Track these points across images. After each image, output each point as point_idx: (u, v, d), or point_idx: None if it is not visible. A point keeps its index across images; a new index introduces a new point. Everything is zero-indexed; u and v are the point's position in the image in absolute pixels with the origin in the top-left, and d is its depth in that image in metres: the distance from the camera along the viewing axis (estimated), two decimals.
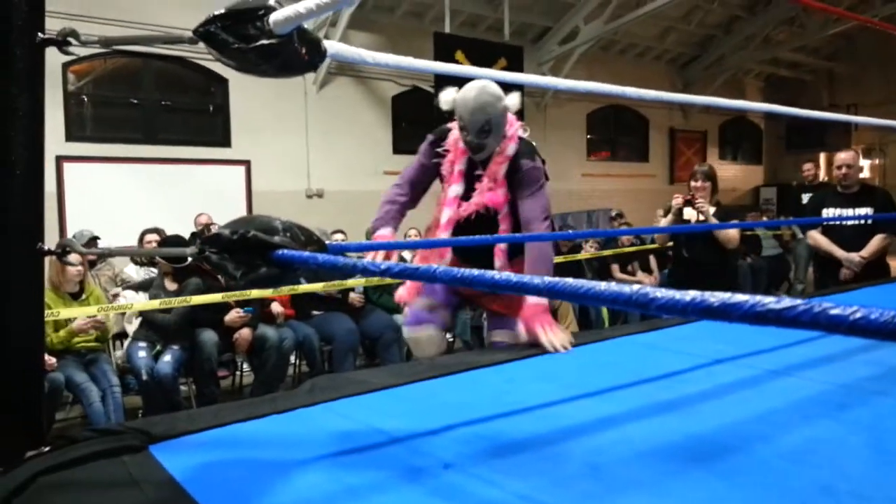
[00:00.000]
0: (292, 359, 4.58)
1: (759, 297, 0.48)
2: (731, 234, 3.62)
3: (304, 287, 4.39)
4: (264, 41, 0.97)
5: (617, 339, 2.13)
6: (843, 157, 3.95)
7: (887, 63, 12.36)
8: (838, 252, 3.82)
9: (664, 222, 3.91)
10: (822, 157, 12.93)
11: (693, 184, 3.72)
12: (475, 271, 0.70)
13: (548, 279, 0.62)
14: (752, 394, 1.52)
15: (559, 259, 5.53)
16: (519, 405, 1.43)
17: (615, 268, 6.40)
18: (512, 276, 0.65)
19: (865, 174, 12.63)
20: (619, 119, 12.09)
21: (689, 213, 3.67)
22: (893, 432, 1.25)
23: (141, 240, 4.86)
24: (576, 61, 10.02)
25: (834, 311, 0.44)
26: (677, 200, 3.70)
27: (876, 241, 3.75)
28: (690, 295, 0.51)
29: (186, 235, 4.60)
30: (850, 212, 3.88)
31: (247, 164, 8.04)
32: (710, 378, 1.64)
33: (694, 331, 2.18)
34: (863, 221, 3.82)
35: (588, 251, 6.32)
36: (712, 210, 3.64)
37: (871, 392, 1.50)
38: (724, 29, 11.94)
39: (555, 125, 10.55)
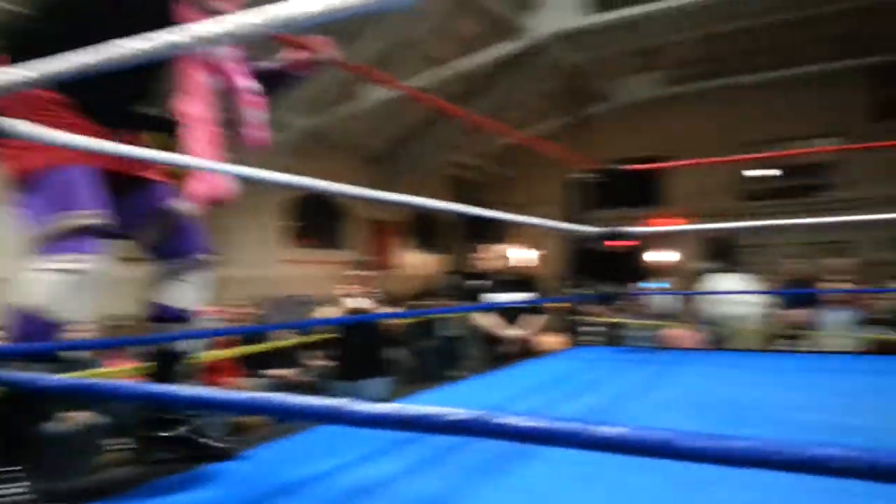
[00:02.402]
0: None
1: None
2: (395, 320, 4.00)
3: None
4: None
5: None
6: (499, 249, 4.75)
7: (543, 171, 14.79)
8: (502, 332, 4.41)
9: (329, 312, 4.08)
10: (494, 247, 14.72)
11: (354, 274, 4.01)
12: None
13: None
14: None
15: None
16: None
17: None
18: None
19: (534, 263, 14.71)
20: (321, 208, 12.46)
21: (352, 302, 3.90)
22: None
23: None
24: (283, 152, 10.18)
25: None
26: (341, 292, 3.92)
27: (530, 321, 4.42)
28: None
29: None
30: (508, 296, 4.52)
31: None
32: None
33: None
34: (521, 302, 4.48)
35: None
36: (368, 302, 3.92)
37: None
38: (415, 132, 13.25)
39: (251, 211, 10.47)
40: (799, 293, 5.87)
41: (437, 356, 8.46)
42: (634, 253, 13.05)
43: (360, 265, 3.98)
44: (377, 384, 3.98)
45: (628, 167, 3.80)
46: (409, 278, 13.94)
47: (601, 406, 2.38)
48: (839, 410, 2.22)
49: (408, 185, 13.49)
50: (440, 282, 15.28)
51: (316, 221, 12.47)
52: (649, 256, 13.39)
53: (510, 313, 4.41)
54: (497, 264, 4.54)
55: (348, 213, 12.97)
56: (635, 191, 13.17)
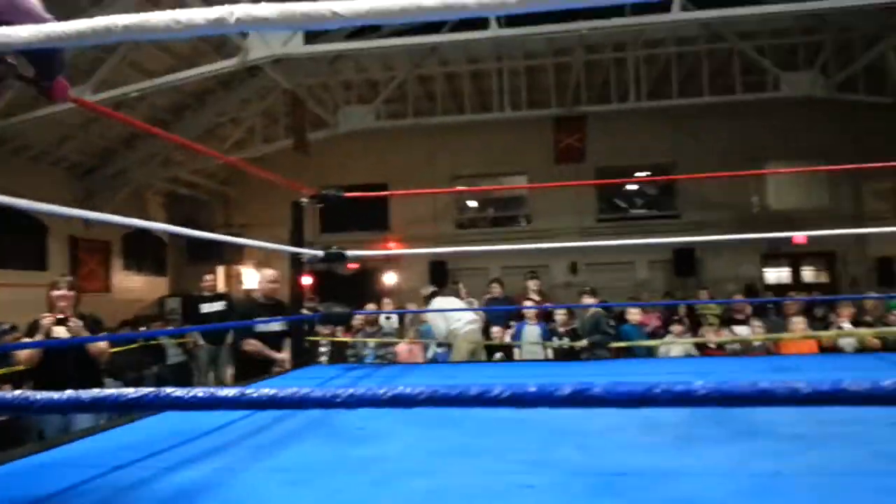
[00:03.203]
0: None
1: None
2: (102, 346, 3.79)
3: None
4: None
5: None
6: (269, 273, 4.67)
7: (269, 191, 14.59)
8: (273, 354, 4.39)
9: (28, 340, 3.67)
10: (221, 269, 14.15)
11: (55, 293, 3.66)
12: None
13: None
14: None
15: None
16: None
17: None
18: None
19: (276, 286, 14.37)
20: (13, 223, 10.80)
21: (60, 331, 3.56)
22: None
23: None
24: None
25: None
26: (48, 320, 3.55)
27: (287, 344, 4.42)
28: None
29: None
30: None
31: None
32: None
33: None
34: (278, 327, 4.46)
35: None
36: (80, 323, 3.63)
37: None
38: (125, 143, 12.19)
39: None
40: (502, 310, 6.65)
41: (175, 382, 7.86)
42: (368, 276, 13.51)
43: (64, 286, 3.57)
44: (88, 419, 3.59)
45: (346, 194, 4.00)
46: (123, 302, 12.70)
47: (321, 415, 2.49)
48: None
49: (120, 200, 12.34)
50: (160, 306, 14.16)
51: (12, 239, 10.73)
52: (385, 279, 13.95)
53: (273, 339, 4.43)
54: (266, 287, 4.48)
55: (51, 230, 11.42)
56: (365, 216, 13.68)
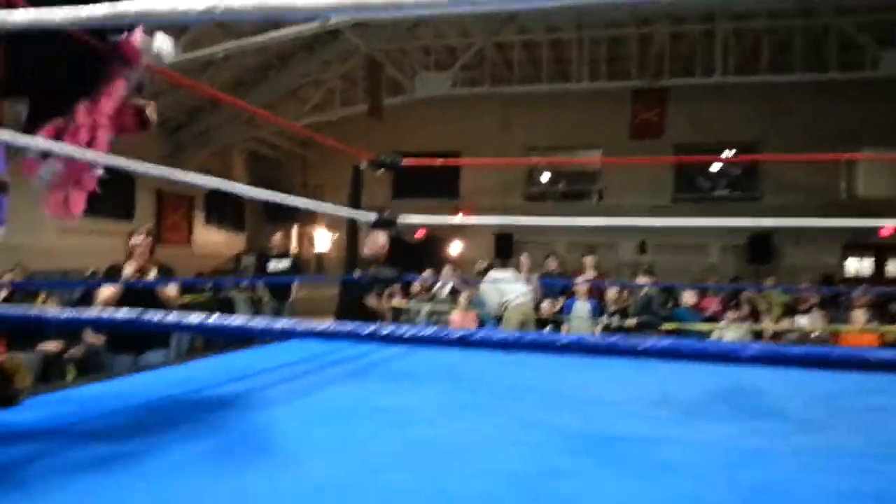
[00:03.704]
0: None
1: None
2: (171, 293, 4.00)
3: None
4: None
5: None
6: (380, 239, 4.96)
7: (343, 154, 14.93)
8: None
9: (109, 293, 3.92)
10: (295, 229, 14.69)
11: (134, 240, 3.93)
12: None
13: None
14: None
15: None
16: None
17: None
18: None
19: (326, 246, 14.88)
20: (109, 173, 11.54)
21: (133, 272, 3.84)
22: None
23: None
24: None
25: None
26: (129, 269, 3.84)
27: None
28: None
29: None
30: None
31: None
32: None
33: None
34: None
35: None
36: (154, 271, 3.91)
37: None
38: (212, 102, 12.74)
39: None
40: (555, 284, 6.69)
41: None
42: (435, 244, 13.74)
43: (143, 234, 3.88)
44: (158, 356, 3.93)
45: (408, 161, 4.13)
46: (202, 256, 13.42)
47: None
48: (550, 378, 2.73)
49: (204, 158, 12.97)
50: (237, 261, 14.88)
51: (103, 189, 11.47)
52: (451, 248, 14.15)
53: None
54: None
55: (139, 182, 12.16)
56: (436, 183, 13.85)
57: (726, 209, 12.77)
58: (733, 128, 13.13)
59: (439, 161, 12.14)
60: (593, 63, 11.72)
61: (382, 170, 3.91)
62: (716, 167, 14.01)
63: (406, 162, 4.16)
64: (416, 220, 4.13)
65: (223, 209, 15.02)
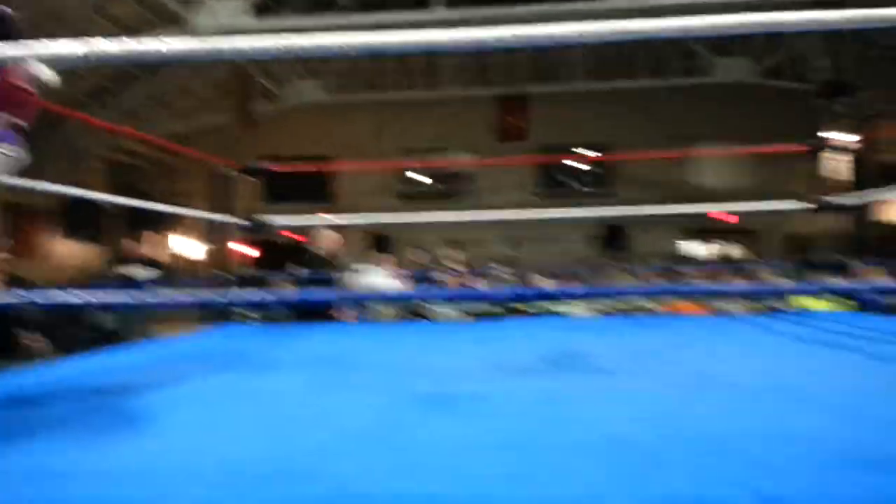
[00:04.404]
0: None
1: None
2: None
3: None
4: None
5: None
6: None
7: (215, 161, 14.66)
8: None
9: None
10: (155, 237, 14.15)
11: None
12: None
13: None
14: None
15: None
16: None
17: None
18: None
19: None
20: None
21: None
22: None
23: None
24: None
25: None
26: None
27: None
28: None
29: None
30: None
31: None
32: None
33: None
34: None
35: None
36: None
37: None
38: (71, 110, 12.14)
39: None
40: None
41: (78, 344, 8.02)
42: (305, 245, 13.74)
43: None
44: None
45: (276, 167, 4.32)
46: (59, 268, 12.74)
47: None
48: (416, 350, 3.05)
49: (59, 168, 12.31)
50: (99, 271, 14.15)
51: None
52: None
53: None
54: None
55: None
56: (310, 188, 13.88)
57: (587, 203, 13.73)
58: (591, 130, 14.13)
59: (310, 166, 12.23)
60: (462, 71, 12.27)
61: (245, 176, 4.08)
62: (576, 166, 15.01)
63: (277, 168, 4.35)
64: (286, 221, 4.33)
65: (80, 220, 14.25)
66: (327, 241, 5.51)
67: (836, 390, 2.12)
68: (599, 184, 14.78)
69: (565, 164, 14.94)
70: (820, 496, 1.14)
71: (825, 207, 3.29)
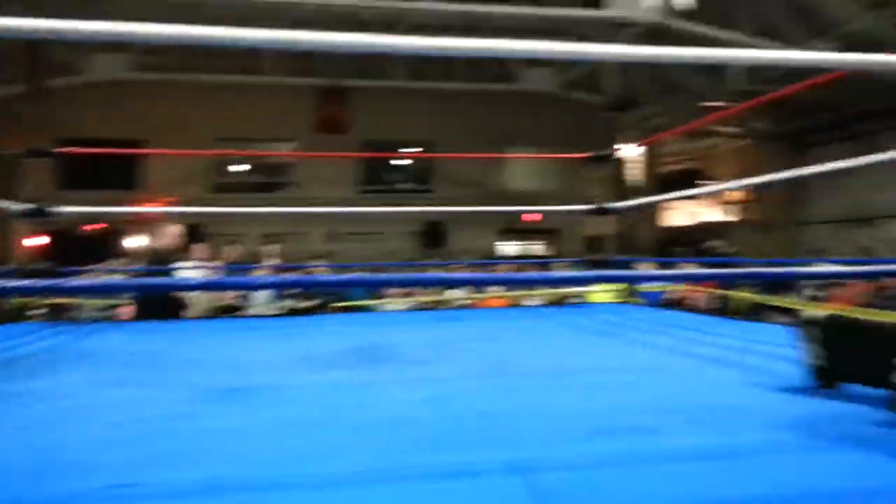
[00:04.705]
0: None
1: None
2: None
3: None
4: None
5: None
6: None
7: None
8: None
9: None
10: None
11: None
12: None
13: None
14: None
15: None
16: None
17: None
18: None
19: None
20: None
21: None
22: None
23: None
24: None
25: None
26: None
27: None
28: None
29: None
30: None
31: None
32: None
33: None
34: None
35: None
36: None
37: None
38: None
39: None
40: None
41: None
42: (115, 237, 12.71)
43: None
44: None
45: (74, 150, 4.01)
46: None
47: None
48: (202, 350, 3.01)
49: None
50: None
51: None
52: (135, 241, 13.18)
53: None
54: None
55: None
56: (116, 174, 12.81)
57: (406, 200, 14.04)
58: (412, 128, 14.45)
59: (107, 150, 11.28)
60: (281, 58, 12.00)
61: (31, 158, 3.74)
62: (398, 163, 15.30)
63: (69, 151, 4.03)
64: (81, 209, 4.02)
65: None
66: (167, 237, 5.21)
67: (596, 371, 2.45)
68: (420, 181, 15.19)
69: (387, 160, 15.17)
70: (559, 461, 1.36)
71: (601, 211, 3.71)
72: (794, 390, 1.83)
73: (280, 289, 5.47)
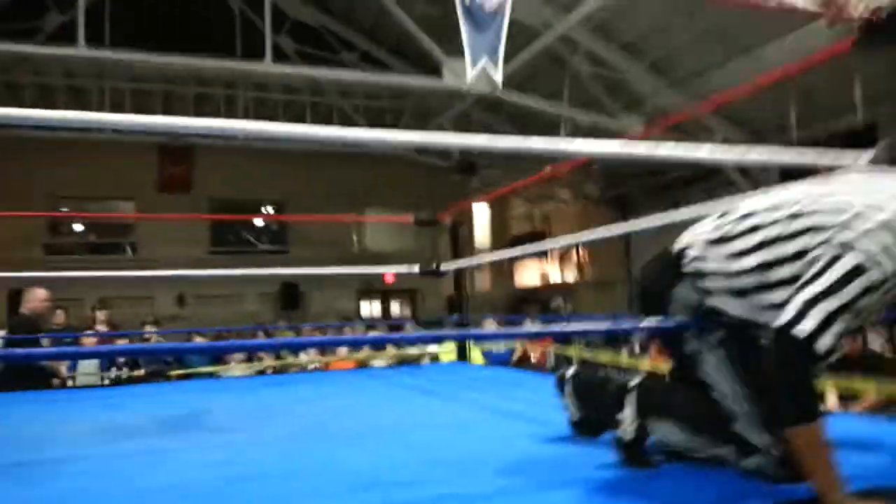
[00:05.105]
0: None
1: None
2: None
3: None
4: None
5: None
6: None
7: None
8: None
9: None
10: None
11: None
12: None
13: None
14: None
15: None
16: None
17: None
18: None
19: None
20: None
21: None
22: None
23: None
24: None
25: None
26: None
27: None
28: None
29: None
30: None
31: None
32: None
33: None
34: None
35: None
36: None
37: None
38: None
39: None
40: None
41: None
42: None
43: None
44: None
45: None
46: None
47: None
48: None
49: None
50: None
51: None
52: None
53: None
54: None
55: None
56: None
57: (261, 260, 13.77)
58: (266, 186, 14.31)
59: None
60: (118, 113, 11.58)
61: None
62: (251, 222, 15.03)
63: None
64: None
65: None
66: (33, 302, 4.84)
67: (394, 430, 2.54)
68: (276, 241, 14.98)
69: (239, 221, 14.86)
70: None
71: (426, 273, 3.89)
72: (560, 440, 2.01)
73: (100, 358, 5.17)
